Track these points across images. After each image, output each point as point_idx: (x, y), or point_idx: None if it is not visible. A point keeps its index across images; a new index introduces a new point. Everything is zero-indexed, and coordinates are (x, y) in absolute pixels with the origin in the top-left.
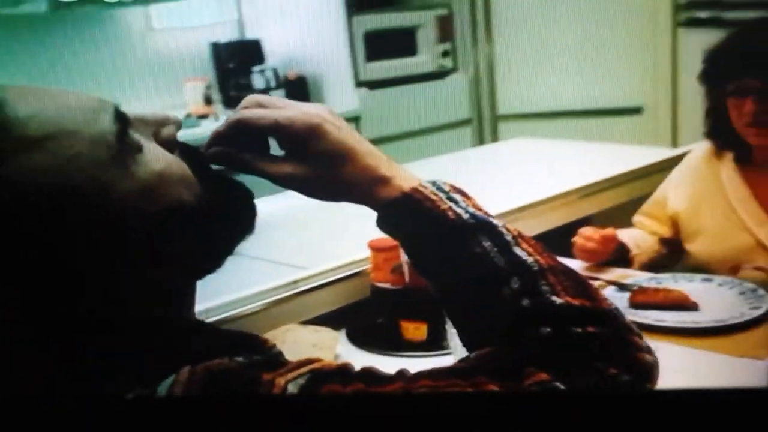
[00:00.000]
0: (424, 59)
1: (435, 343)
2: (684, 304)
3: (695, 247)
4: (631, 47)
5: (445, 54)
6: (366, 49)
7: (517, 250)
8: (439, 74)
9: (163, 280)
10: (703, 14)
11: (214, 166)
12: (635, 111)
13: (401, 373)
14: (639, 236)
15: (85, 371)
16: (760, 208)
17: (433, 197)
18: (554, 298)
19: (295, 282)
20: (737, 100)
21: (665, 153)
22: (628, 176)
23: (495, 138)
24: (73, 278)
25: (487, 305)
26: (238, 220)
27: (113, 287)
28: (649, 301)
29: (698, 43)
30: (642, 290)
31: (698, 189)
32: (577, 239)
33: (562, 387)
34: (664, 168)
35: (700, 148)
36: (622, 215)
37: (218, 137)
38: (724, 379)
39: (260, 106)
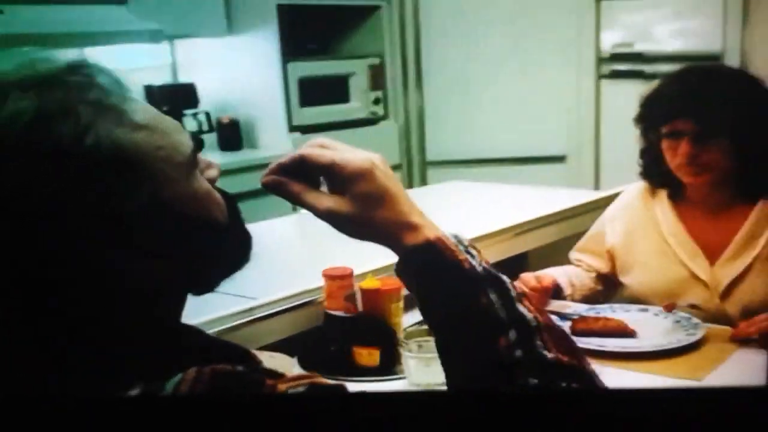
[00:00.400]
0: (356, 106)
1: (388, 368)
2: (623, 332)
3: (631, 279)
4: (556, 98)
5: (377, 101)
6: (300, 94)
7: (520, 307)
8: (371, 121)
9: (174, 283)
10: (624, 67)
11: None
12: (559, 159)
13: None
14: (574, 273)
15: (87, 368)
16: (692, 241)
17: (454, 248)
18: (546, 353)
19: (251, 309)
20: (671, 142)
21: (592, 195)
22: (561, 215)
23: (424, 183)
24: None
25: (483, 352)
26: (241, 253)
27: (132, 277)
28: (589, 329)
29: (620, 94)
30: (582, 319)
31: (634, 224)
32: (517, 284)
33: None
34: (591, 209)
35: (635, 186)
36: (554, 253)
37: (279, 167)
38: None
39: (322, 147)
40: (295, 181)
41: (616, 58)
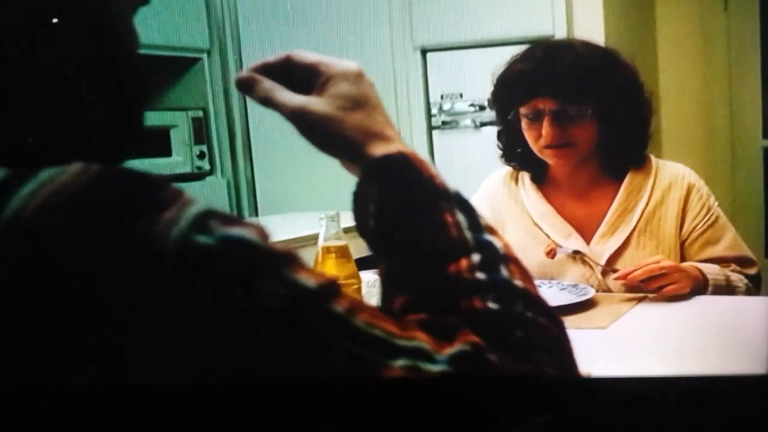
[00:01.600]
0: (179, 160)
1: None
2: None
3: None
4: None
5: (202, 156)
6: None
7: (487, 235)
8: (197, 176)
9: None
10: (454, 118)
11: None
12: None
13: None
14: None
15: None
16: (564, 221)
17: (426, 163)
18: (513, 280)
19: None
20: (532, 123)
21: None
22: None
23: None
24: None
25: (441, 274)
26: (136, 134)
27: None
28: None
29: (453, 143)
30: None
31: (500, 213)
32: None
33: (492, 358)
34: None
35: (496, 175)
36: None
37: (261, 66)
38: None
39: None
40: (269, 79)
41: (446, 109)
